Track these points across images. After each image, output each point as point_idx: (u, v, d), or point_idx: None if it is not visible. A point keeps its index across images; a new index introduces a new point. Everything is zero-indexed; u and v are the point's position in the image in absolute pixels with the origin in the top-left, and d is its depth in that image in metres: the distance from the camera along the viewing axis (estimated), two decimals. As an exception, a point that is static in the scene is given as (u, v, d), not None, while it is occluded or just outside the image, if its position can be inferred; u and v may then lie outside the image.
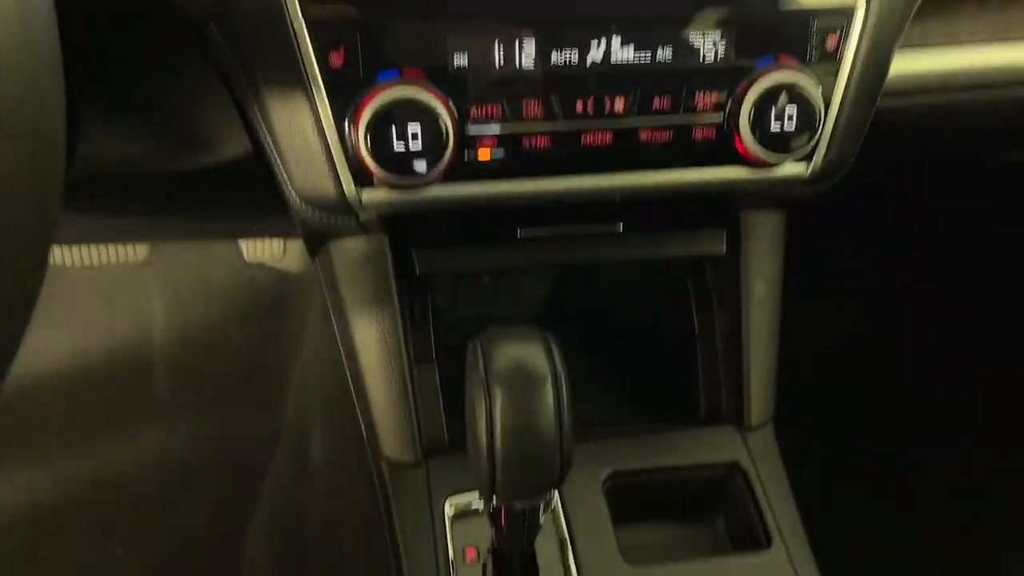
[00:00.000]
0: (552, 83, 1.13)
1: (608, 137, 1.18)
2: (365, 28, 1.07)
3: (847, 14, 1.20)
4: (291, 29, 1.07)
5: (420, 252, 1.38)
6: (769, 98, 1.17)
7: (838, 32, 1.21)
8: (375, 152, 1.09)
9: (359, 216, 1.23)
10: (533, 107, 1.15)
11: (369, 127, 1.07)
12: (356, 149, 1.10)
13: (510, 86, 1.13)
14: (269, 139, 1.16)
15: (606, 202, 1.29)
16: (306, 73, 1.09)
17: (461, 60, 1.11)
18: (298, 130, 1.14)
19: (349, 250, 1.37)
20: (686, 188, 1.27)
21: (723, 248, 1.47)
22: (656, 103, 1.17)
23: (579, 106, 1.16)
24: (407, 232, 1.39)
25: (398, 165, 1.10)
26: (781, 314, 1.56)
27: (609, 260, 1.50)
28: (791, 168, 1.27)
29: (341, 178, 1.15)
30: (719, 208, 1.47)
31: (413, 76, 1.09)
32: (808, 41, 1.20)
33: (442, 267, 1.40)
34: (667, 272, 1.68)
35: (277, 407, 2.34)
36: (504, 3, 1.10)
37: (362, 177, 1.16)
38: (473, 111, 1.13)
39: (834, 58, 1.22)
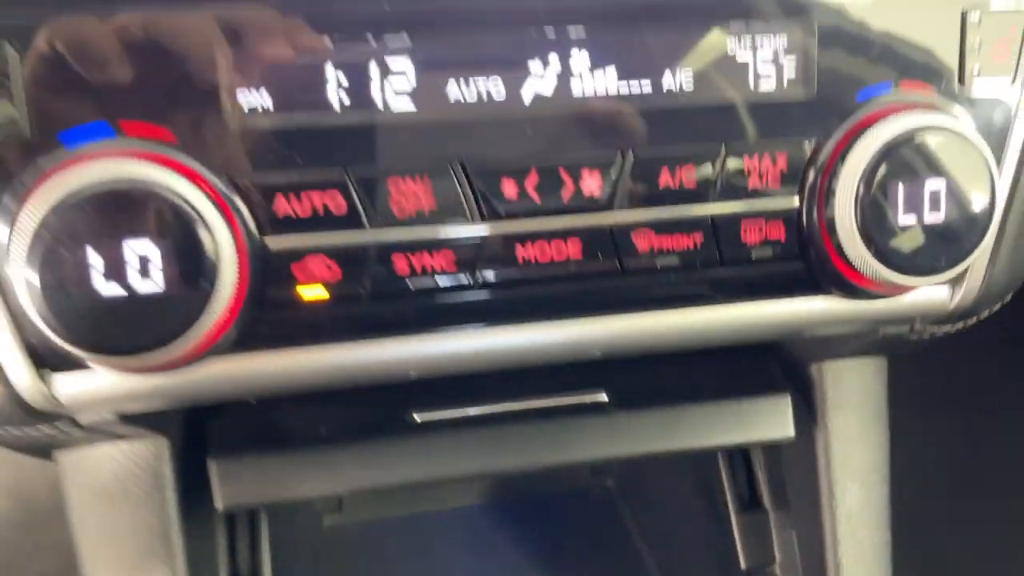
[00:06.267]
0: (450, 139, 0.66)
1: (571, 249, 0.69)
2: (26, 31, 0.59)
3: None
4: None
5: (225, 468, 0.86)
6: (894, 163, 0.68)
7: (1016, 33, 0.74)
8: (59, 305, 0.58)
9: (76, 420, 0.71)
10: (412, 190, 0.65)
11: (45, 252, 0.59)
12: (16, 296, 0.59)
13: (360, 145, 0.64)
14: None
15: (572, 360, 0.79)
16: None
17: (253, 94, 0.62)
18: None
19: (87, 466, 0.84)
20: (720, 337, 0.77)
21: (789, 429, 0.97)
22: (664, 177, 0.68)
23: (508, 187, 0.66)
24: (203, 421, 0.88)
25: (109, 332, 0.59)
26: (893, 523, 1.06)
27: (584, 460, 0.99)
28: (923, 295, 0.78)
29: (3, 359, 0.65)
30: (776, 358, 0.97)
31: (144, 135, 0.62)
32: (957, 50, 0.72)
33: (266, 493, 0.88)
34: (690, 467, 1.19)
35: None
36: None
37: (52, 358, 0.65)
38: (281, 203, 0.64)
39: (1009, 82, 0.74)
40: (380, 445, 0.91)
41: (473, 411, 0.92)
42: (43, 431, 0.74)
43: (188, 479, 0.88)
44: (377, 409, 0.91)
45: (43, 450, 0.86)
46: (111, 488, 0.86)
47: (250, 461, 0.88)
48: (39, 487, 2.15)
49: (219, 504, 0.88)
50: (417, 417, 0.90)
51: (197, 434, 0.90)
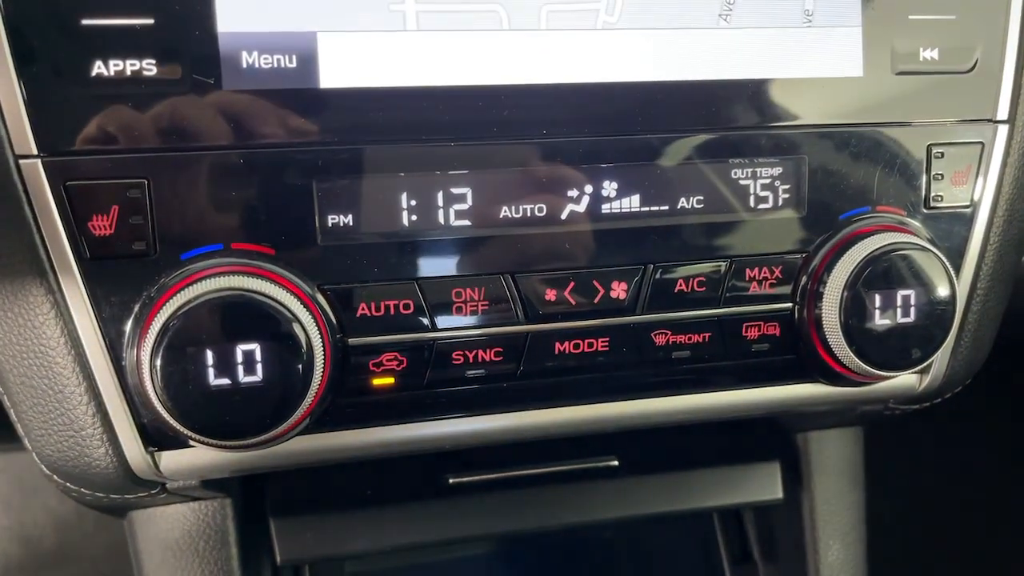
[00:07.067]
0: (502, 254, 0.78)
1: (600, 344, 0.81)
2: (160, 172, 0.70)
3: (984, 133, 0.87)
4: (14, 169, 0.68)
5: (284, 526, 0.97)
6: (873, 274, 0.80)
7: (972, 165, 0.88)
8: (175, 394, 0.68)
9: (165, 485, 0.81)
10: (470, 296, 0.77)
11: (165, 350, 0.68)
12: (140, 387, 0.70)
13: (427, 259, 0.76)
14: None
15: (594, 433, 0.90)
16: (45, 247, 0.70)
17: (340, 217, 0.74)
18: (31, 349, 0.73)
19: (160, 526, 0.95)
20: (722, 415, 0.89)
21: (778, 491, 1.09)
22: (680, 285, 0.81)
23: (550, 293, 0.78)
24: (263, 488, 0.98)
25: (217, 418, 0.70)
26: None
27: (597, 521, 1.10)
28: (895, 381, 0.90)
29: (120, 438, 0.75)
30: (767, 429, 1.09)
31: (249, 252, 0.74)
32: (923, 179, 0.86)
33: (321, 549, 0.98)
34: (686, 528, 1.31)
35: None
36: (401, 114, 0.75)
37: (158, 437, 0.76)
38: (361, 308, 0.75)
39: (966, 206, 0.88)
40: (419, 506, 1.02)
41: (499, 475, 1.03)
42: (136, 496, 0.85)
43: (246, 535, 0.98)
44: (415, 473, 1.02)
45: (120, 510, 0.96)
46: (182, 544, 0.96)
47: (305, 521, 0.98)
48: (45, 531, 2.20)
49: (279, 559, 0.98)
50: (450, 479, 1.01)
51: (253, 493, 1.00)
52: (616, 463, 1.04)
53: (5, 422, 0.84)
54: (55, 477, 0.79)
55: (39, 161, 0.69)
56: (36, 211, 0.69)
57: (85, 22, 0.68)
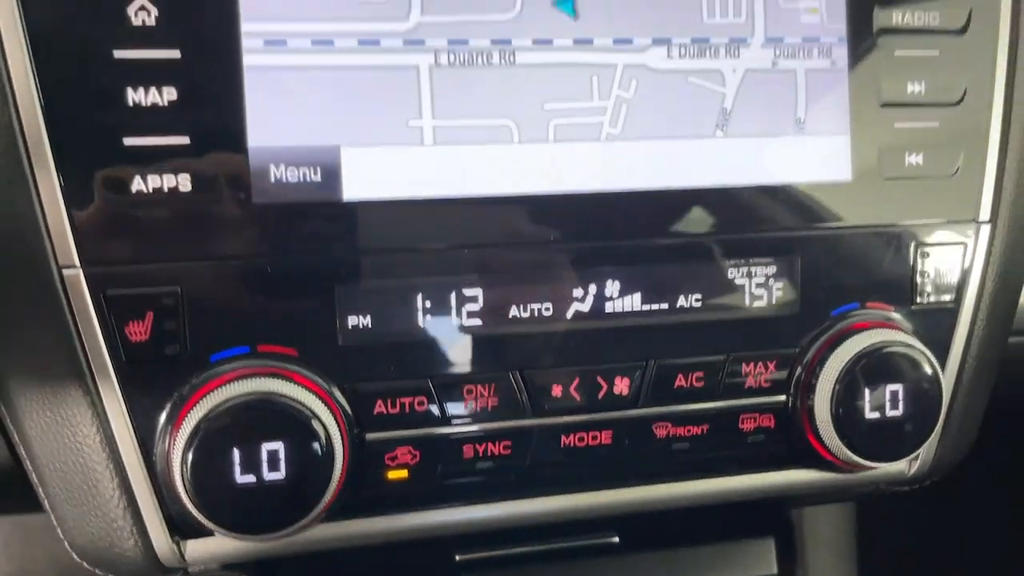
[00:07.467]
0: (511, 351, 0.83)
1: (604, 437, 0.85)
2: (193, 280, 0.75)
3: (968, 233, 0.92)
4: (57, 278, 0.73)
5: None
6: (863, 370, 0.85)
7: (956, 263, 0.93)
8: (203, 491, 0.73)
9: (187, 570, 0.85)
10: (480, 391, 0.81)
11: (195, 449, 0.73)
12: (170, 483, 0.74)
13: (440, 358, 0.81)
14: (25, 455, 0.79)
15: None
16: (84, 351, 0.75)
17: (359, 319, 0.79)
18: (68, 447, 0.77)
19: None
20: (721, 499, 0.93)
21: (773, 568, 1.12)
22: (679, 380, 0.85)
23: (556, 389, 0.83)
24: (279, 567, 1.02)
25: (243, 513, 0.74)
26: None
27: None
28: (885, 468, 0.94)
29: (148, 529, 0.79)
30: (761, 506, 1.12)
31: (274, 355, 0.78)
32: (910, 277, 0.90)
33: None
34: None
35: None
36: (418, 223, 0.80)
37: (184, 526, 0.80)
38: (378, 404, 0.80)
39: (952, 302, 0.92)
40: None
41: (505, 551, 1.06)
42: None
43: None
44: (423, 549, 1.05)
45: None
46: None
47: None
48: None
49: None
50: (456, 556, 1.05)
51: (268, 572, 1.03)
52: (616, 539, 1.08)
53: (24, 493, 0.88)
54: (85, 564, 0.83)
55: (80, 271, 0.74)
56: (76, 318, 0.74)
57: (128, 141, 0.73)
